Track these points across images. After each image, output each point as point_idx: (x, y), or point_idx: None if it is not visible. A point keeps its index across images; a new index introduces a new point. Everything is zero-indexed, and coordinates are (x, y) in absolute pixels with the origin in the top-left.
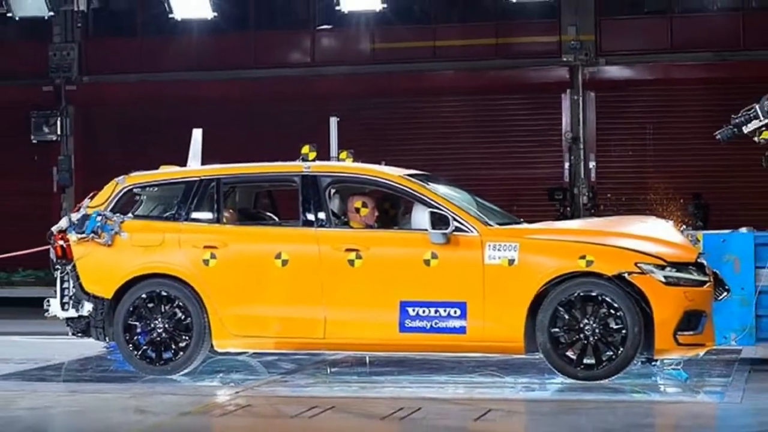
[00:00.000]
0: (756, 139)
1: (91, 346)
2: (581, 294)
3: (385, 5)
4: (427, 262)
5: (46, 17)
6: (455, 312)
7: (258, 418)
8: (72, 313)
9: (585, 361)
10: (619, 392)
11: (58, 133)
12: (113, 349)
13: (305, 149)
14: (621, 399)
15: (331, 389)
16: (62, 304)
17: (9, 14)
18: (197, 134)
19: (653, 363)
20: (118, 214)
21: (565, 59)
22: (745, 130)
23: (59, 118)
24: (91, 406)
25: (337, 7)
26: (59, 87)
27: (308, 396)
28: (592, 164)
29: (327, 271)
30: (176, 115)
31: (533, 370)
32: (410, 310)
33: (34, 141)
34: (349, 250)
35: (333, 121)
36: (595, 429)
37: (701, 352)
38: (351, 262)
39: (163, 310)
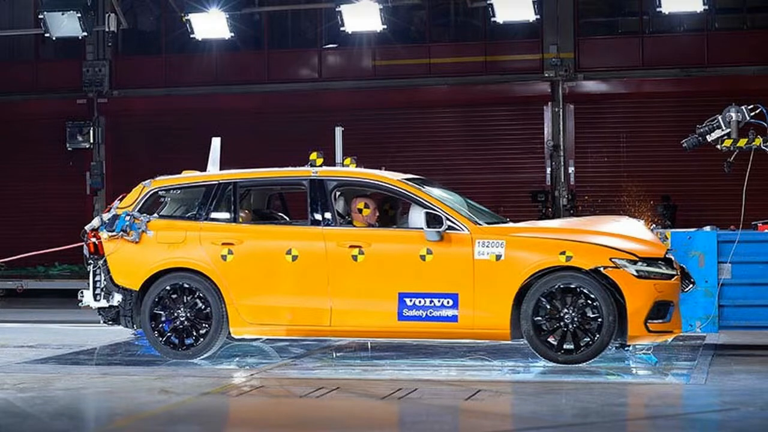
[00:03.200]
0: (719, 146)
1: (121, 333)
2: (561, 286)
3: (385, 26)
4: (422, 258)
5: (80, 37)
6: (448, 302)
7: (270, 398)
8: (103, 303)
9: (565, 346)
10: (596, 375)
11: (91, 141)
12: (140, 335)
13: (313, 156)
14: (597, 381)
15: (336, 372)
16: (95, 295)
17: (47, 35)
18: (216, 142)
19: (626, 348)
20: (144, 214)
21: (546, 75)
22: (709, 138)
23: (92, 128)
24: (121, 387)
25: (342, 28)
26: (92, 100)
27: (315, 378)
28: (571, 169)
29: (333, 265)
30: (197, 125)
31: (518, 355)
32: (408, 300)
33: (69, 148)
34: (352, 246)
35: (338, 131)
36: (574, 408)
37: (669, 338)
38: (354, 258)
39: (185, 300)
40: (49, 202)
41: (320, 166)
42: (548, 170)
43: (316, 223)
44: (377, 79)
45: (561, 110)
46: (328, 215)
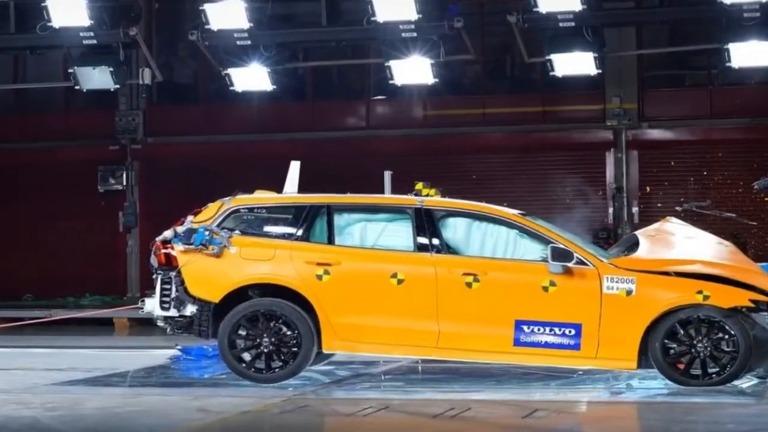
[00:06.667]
0: None
1: (155, 357)
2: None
3: (436, 79)
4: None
5: (112, 89)
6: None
7: (315, 416)
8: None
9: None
10: (660, 394)
11: (124, 183)
12: (176, 360)
13: (419, 186)
14: (662, 401)
15: (384, 392)
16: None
17: (77, 87)
18: (295, 165)
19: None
20: (225, 230)
21: (609, 124)
22: None
23: (125, 172)
24: (156, 407)
25: (391, 81)
26: (125, 146)
27: (363, 398)
28: (635, 209)
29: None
30: (236, 169)
31: (576, 376)
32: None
33: (101, 190)
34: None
35: (387, 175)
36: (639, 427)
37: None
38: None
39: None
40: (83, 239)
41: (427, 196)
42: (611, 210)
43: (423, 249)
44: (428, 128)
45: (624, 156)
46: (436, 242)
